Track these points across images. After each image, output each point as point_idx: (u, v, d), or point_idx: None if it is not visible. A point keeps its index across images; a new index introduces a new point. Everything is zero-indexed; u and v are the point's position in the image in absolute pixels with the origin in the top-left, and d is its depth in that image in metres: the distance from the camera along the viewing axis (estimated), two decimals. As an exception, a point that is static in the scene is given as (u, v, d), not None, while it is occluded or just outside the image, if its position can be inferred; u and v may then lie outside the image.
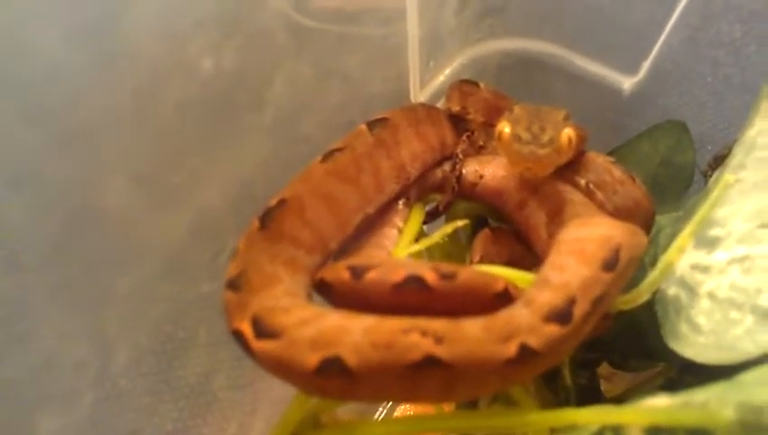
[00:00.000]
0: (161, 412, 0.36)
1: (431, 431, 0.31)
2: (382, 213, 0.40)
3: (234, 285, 0.31)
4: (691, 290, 0.36)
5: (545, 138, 0.34)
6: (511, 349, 0.27)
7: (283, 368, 0.28)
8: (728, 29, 0.45)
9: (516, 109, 0.37)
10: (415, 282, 0.29)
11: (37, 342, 0.29)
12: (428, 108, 0.43)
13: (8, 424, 0.29)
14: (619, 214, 0.41)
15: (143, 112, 0.29)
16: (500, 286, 0.30)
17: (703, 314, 0.35)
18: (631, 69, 0.50)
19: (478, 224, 0.45)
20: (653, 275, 0.37)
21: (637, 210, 0.41)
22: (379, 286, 0.30)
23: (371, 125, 0.38)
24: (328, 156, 0.35)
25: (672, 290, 0.37)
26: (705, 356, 0.34)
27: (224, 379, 0.34)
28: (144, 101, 0.29)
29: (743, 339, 0.34)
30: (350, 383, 0.27)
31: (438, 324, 0.27)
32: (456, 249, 0.44)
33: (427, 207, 0.42)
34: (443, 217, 0.45)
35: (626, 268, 0.31)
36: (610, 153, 0.50)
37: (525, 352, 0.27)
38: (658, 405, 0.28)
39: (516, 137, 0.35)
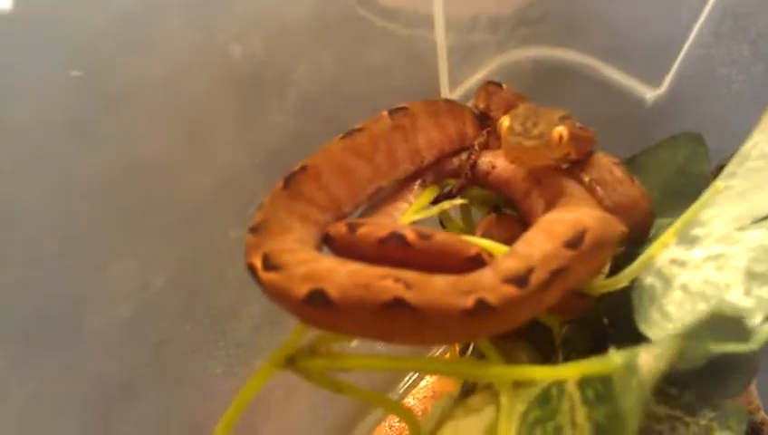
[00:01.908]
0: (188, 330, 0.43)
1: (409, 369, 0.36)
2: (400, 190, 0.46)
3: (255, 230, 0.38)
4: (667, 281, 0.39)
5: (535, 132, 0.38)
6: (469, 301, 0.32)
7: (280, 295, 0.34)
8: (738, 48, 0.47)
9: (521, 107, 0.42)
10: (397, 238, 0.35)
11: (89, 253, 0.36)
12: (452, 103, 0.48)
13: (58, 318, 0.37)
14: (617, 210, 0.44)
15: (180, 86, 0.36)
16: (473, 251, 0.35)
17: (674, 303, 0.38)
18: (655, 82, 0.52)
19: (493, 209, 0.49)
20: (634, 265, 0.41)
21: (633, 208, 0.45)
22: (368, 240, 0.35)
23: (392, 112, 0.43)
24: (348, 134, 0.41)
25: (649, 280, 0.40)
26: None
27: (245, 314, 0.40)
28: (182, 76, 0.35)
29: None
30: (333, 314, 0.33)
31: (411, 275, 0.33)
32: (470, 229, 0.49)
33: (444, 191, 0.47)
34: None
35: (592, 250, 0.35)
36: (631, 159, 0.53)
37: (481, 306, 0.32)
38: (587, 362, 0.32)
39: (511, 129, 0.39)
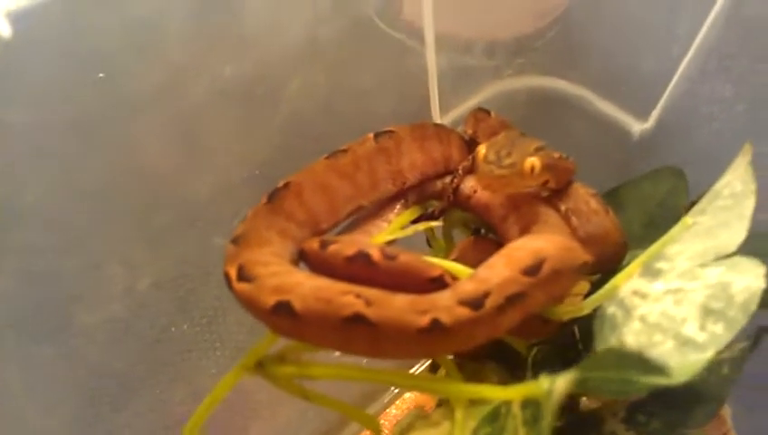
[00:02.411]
0: (174, 334, 0.45)
1: (372, 381, 0.38)
2: (382, 209, 0.48)
3: (235, 240, 0.40)
4: (627, 311, 0.40)
5: (507, 161, 0.40)
6: (424, 320, 0.34)
7: (250, 304, 0.36)
8: (721, 88, 0.48)
9: (500, 136, 0.44)
10: (363, 257, 0.37)
11: (85, 252, 0.39)
12: (439, 128, 0.50)
13: (51, 312, 0.40)
14: (590, 240, 0.46)
15: (177, 98, 0.39)
16: (435, 273, 0.37)
17: (632, 333, 0.40)
18: (643, 116, 0.53)
19: (473, 232, 0.51)
20: (598, 294, 0.42)
21: (606, 239, 0.46)
22: (336, 257, 0.37)
23: (378, 135, 0.46)
24: (332, 154, 0.44)
25: (612, 309, 0.41)
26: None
27: (230, 316, 0.42)
28: (178, 89, 0.38)
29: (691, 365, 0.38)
30: (297, 325, 0.35)
31: (372, 292, 0.35)
32: (451, 250, 0.51)
33: (427, 212, 0.49)
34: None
35: (551, 278, 0.37)
36: (615, 190, 0.54)
37: (436, 325, 0.33)
38: (528, 384, 0.34)
39: (485, 157, 0.41)
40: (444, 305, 0.35)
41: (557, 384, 0.27)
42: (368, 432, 0.68)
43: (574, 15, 0.58)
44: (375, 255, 0.36)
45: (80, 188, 0.38)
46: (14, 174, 0.36)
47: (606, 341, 0.41)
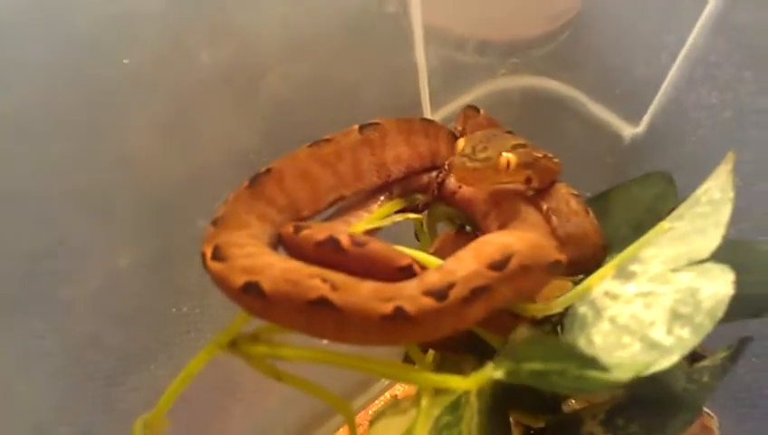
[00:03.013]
0: (156, 307, 0.47)
1: (340, 365, 0.39)
2: (366, 199, 0.48)
3: (215, 222, 0.41)
4: (597, 312, 0.41)
5: (481, 156, 0.41)
6: (388, 308, 0.34)
7: (221, 283, 0.37)
8: (707, 95, 0.48)
9: (480, 132, 0.44)
10: (332, 243, 0.37)
11: (67, 230, 0.41)
12: (428, 123, 0.50)
13: (34, 290, 0.41)
14: (568, 240, 0.46)
15: (159, 84, 0.40)
16: (404, 262, 0.38)
17: (601, 333, 0.40)
18: (634, 120, 0.54)
19: (458, 227, 0.52)
20: (570, 294, 0.43)
21: (585, 240, 0.46)
22: (308, 241, 0.38)
23: (363, 127, 0.46)
24: (315, 143, 0.44)
25: (583, 309, 0.41)
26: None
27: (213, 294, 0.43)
28: (159, 77, 0.39)
29: (625, 361, 0.39)
30: (265, 305, 0.36)
31: (339, 277, 0.35)
32: (434, 243, 0.52)
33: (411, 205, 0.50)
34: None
35: (518, 273, 0.37)
36: (605, 193, 0.54)
37: (399, 313, 0.34)
38: (481, 373, 0.35)
39: (461, 151, 0.42)
40: (408, 294, 0.35)
41: (487, 373, 0.28)
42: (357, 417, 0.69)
43: (583, 20, 0.59)
44: (344, 241, 0.37)
45: (60, 169, 0.39)
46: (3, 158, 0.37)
47: (575, 339, 0.42)
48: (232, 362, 0.41)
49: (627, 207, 0.56)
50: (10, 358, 0.42)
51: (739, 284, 0.46)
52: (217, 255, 0.38)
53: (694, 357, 0.54)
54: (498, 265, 0.37)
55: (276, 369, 0.41)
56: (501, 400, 0.42)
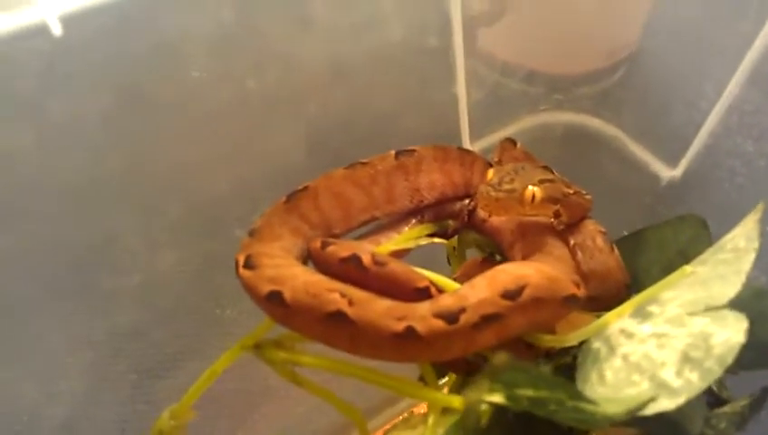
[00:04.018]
0: (198, 307, 0.50)
1: (354, 376, 0.40)
2: (398, 221, 0.50)
3: (251, 233, 0.44)
4: (611, 348, 0.41)
5: (506, 187, 0.42)
6: (400, 326, 0.36)
7: (250, 290, 0.40)
8: (742, 142, 0.48)
9: (511, 164, 0.46)
10: (355, 260, 0.40)
11: (110, 225, 0.44)
12: (464, 152, 0.52)
13: (80, 281, 0.45)
14: (592, 276, 0.47)
15: (202, 102, 0.44)
16: (422, 284, 0.40)
17: (612, 369, 0.40)
18: (672, 163, 0.54)
19: (489, 256, 0.53)
20: (587, 328, 0.43)
21: (608, 277, 0.47)
22: (333, 257, 0.41)
23: (400, 153, 0.49)
24: (351, 165, 0.47)
25: (597, 344, 0.42)
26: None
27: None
28: (209, 96, 0.43)
29: (633, 399, 0.39)
30: (287, 314, 0.38)
31: (358, 293, 0.38)
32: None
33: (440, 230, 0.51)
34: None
35: (530, 304, 0.38)
36: (638, 233, 0.55)
37: (410, 333, 0.36)
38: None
39: (488, 181, 0.43)
40: (420, 315, 0.37)
41: (473, 392, 0.29)
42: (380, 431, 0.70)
43: (634, 60, 0.59)
44: (366, 259, 0.39)
45: (117, 173, 0.43)
46: (48, 154, 0.42)
47: (587, 373, 0.42)
48: (264, 366, 0.44)
49: (659, 248, 0.56)
50: (57, 341, 0.46)
51: (763, 334, 0.46)
52: (249, 263, 0.41)
53: (717, 402, 0.53)
54: (511, 295, 0.38)
55: (296, 374, 0.43)
56: (515, 429, 0.43)
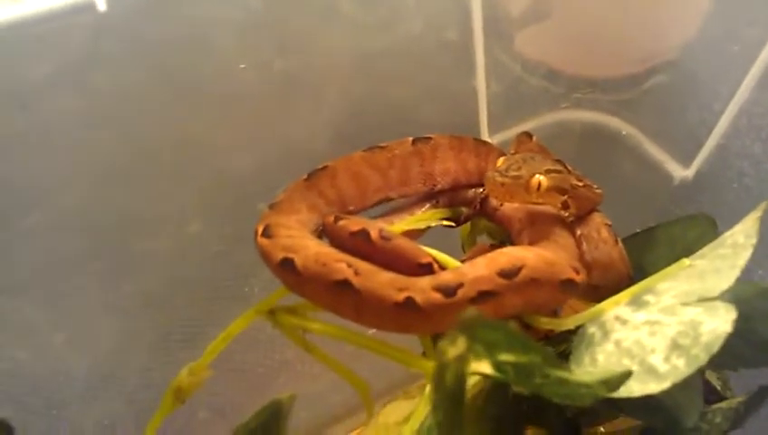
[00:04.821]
0: (219, 271, 0.53)
1: (356, 344, 0.43)
2: (413, 204, 0.53)
3: (272, 206, 0.47)
4: (605, 333, 0.43)
5: (512, 174, 0.44)
6: (400, 296, 0.39)
7: (265, 257, 0.43)
8: (750, 144, 0.48)
9: (520, 154, 0.48)
10: (363, 234, 0.42)
11: (147, 197, 0.48)
12: (480, 142, 0.54)
13: (114, 243, 0.49)
14: (595, 266, 0.49)
15: (235, 84, 0.47)
16: (425, 259, 0.42)
17: (604, 353, 0.42)
18: (685, 163, 0.54)
19: (500, 242, 0.55)
20: (584, 314, 0.45)
21: (610, 268, 0.49)
22: (344, 231, 0.43)
23: (417, 139, 0.51)
24: (370, 148, 0.50)
25: (592, 329, 0.44)
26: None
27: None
28: (237, 78, 0.46)
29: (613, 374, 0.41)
30: (298, 280, 0.41)
31: (364, 265, 0.40)
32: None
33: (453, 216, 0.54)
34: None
35: (526, 284, 0.40)
36: (649, 230, 0.56)
37: (409, 303, 0.38)
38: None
39: (496, 167, 0.45)
40: (420, 287, 0.39)
41: (444, 344, 0.31)
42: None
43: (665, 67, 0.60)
44: (373, 233, 0.42)
45: (140, 144, 0.46)
46: (88, 126, 0.45)
47: (580, 355, 0.44)
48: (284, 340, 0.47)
49: (668, 245, 0.57)
50: (90, 299, 0.50)
51: (764, 332, 0.47)
52: (266, 232, 0.44)
53: (718, 400, 0.54)
54: (507, 274, 0.40)
55: (307, 341, 0.46)
56: (513, 407, 0.45)
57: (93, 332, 0.53)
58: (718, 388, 0.58)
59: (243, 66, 0.45)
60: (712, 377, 0.60)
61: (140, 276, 0.51)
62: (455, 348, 0.30)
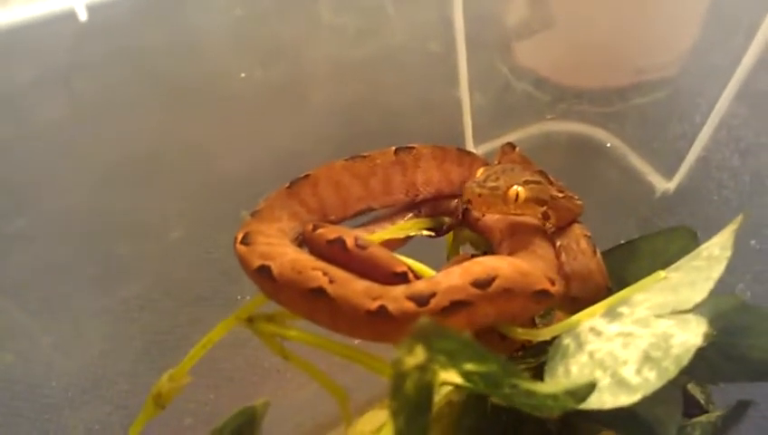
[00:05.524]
0: (201, 274, 0.54)
1: (331, 351, 0.43)
2: (395, 213, 0.53)
3: (254, 213, 0.48)
4: (580, 345, 0.43)
5: (490, 184, 0.45)
6: (374, 305, 0.39)
7: (243, 264, 0.43)
8: (730, 156, 0.49)
9: (500, 164, 0.48)
10: (339, 242, 0.43)
11: (122, 199, 0.49)
12: (463, 153, 0.54)
13: (102, 249, 0.50)
14: (573, 277, 0.49)
15: (214, 91, 0.48)
16: (400, 268, 0.42)
17: (578, 364, 0.42)
18: (668, 175, 0.55)
19: (483, 252, 0.55)
20: (559, 325, 0.45)
21: (588, 279, 0.49)
22: (321, 239, 0.44)
23: (399, 149, 0.52)
24: (351, 158, 0.50)
25: (567, 340, 0.44)
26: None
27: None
28: (219, 85, 0.47)
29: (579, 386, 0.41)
30: (275, 287, 0.42)
31: (339, 273, 0.41)
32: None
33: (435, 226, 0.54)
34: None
35: (500, 295, 0.41)
36: (632, 242, 0.56)
37: (382, 312, 0.39)
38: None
39: (475, 178, 0.46)
40: (393, 296, 0.40)
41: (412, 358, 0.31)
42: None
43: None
44: (349, 242, 0.42)
45: (128, 152, 0.47)
46: (76, 129, 0.46)
47: (554, 367, 0.44)
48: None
49: (651, 257, 0.57)
50: (79, 304, 0.51)
51: (743, 347, 0.47)
52: (245, 240, 0.44)
53: (700, 411, 0.54)
54: (481, 284, 0.40)
55: (285, 349, 0.47)
56: (491, 419, 0.45)
57: (81, 336, 0.54)
58: (702, 402, 0.58)
59: (227, 75, 0.46)
60: (695, 391, 0.60)
61: (128, 282, 0.52)
62: (413, 357, 0.30)
